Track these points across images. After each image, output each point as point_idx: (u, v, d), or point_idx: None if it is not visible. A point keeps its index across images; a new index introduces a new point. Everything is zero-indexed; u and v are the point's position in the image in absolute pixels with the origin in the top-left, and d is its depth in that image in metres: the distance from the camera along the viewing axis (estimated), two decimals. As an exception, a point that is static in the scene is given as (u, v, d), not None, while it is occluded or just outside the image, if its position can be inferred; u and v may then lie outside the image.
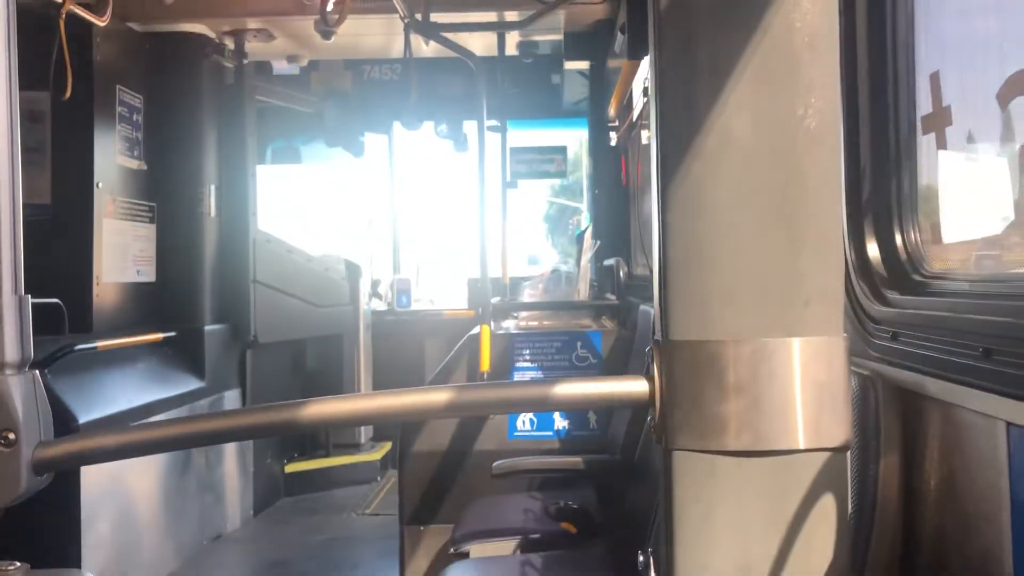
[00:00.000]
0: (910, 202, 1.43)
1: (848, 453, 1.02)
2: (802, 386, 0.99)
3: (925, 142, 1.38)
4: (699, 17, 1.02)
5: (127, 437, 1.13)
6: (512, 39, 6.05)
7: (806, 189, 1.00)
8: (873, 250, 1.46)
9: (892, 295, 1.40)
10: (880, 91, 1.44)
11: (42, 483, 1.09)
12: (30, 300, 1.11)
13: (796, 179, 1.00)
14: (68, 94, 4.33)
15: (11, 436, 1.04)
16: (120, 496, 4.38)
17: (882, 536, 1.21)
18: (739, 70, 1.00)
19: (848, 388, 1.01)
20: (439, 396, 1.13)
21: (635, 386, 1.05)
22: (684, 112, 1.03)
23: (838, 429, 1.00)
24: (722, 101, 1.00)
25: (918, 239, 1.42)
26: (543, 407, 1.09)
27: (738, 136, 1.00)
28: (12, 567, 1.06)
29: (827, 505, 1.00)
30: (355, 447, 7.00)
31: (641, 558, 1.12)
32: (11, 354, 1.07)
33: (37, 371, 1.11)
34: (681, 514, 1.02)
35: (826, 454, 1.00)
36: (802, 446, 0.99)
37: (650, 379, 1.05)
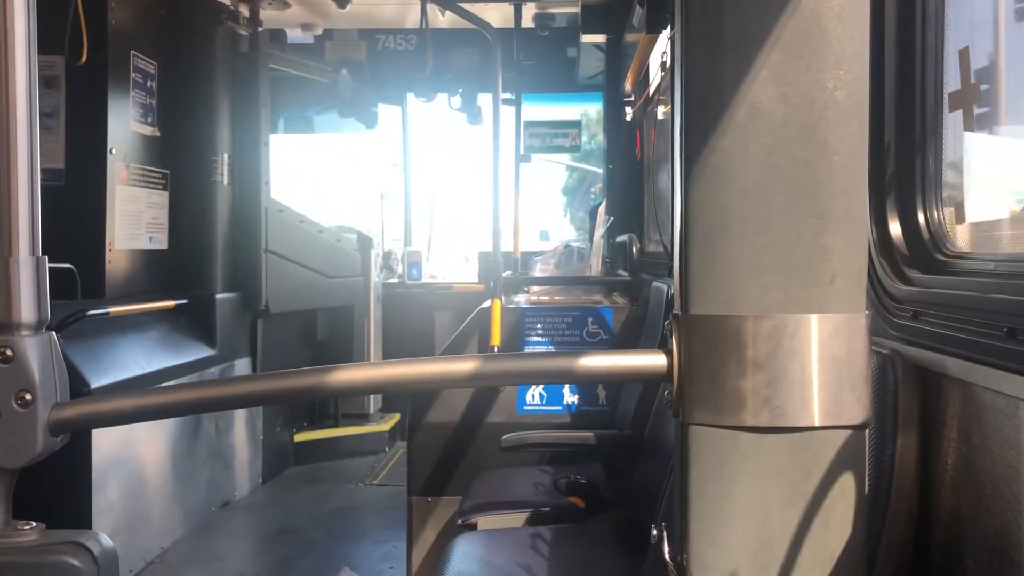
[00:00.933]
0: (934, 180, 1.41)
1: (866, 432, 1.02)
2: (822, 363, 0.98)
3: (952, 119, 1.36)
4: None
5: (142, 400, 1.13)
6: (528, 11, 6.01)
7: (832, 164, 0.99)
8: (895, 228, 1.44)
9: (914, 274, 1.38)
10: (907, 66, 1.42)
11: (58, 444, 1.10)
12: (47, 261, 1.11)
13: (822, 154, 0.99)
14: (83, 59, 4.33)
15: (28, 396, 1.05)
16: (130, 461, 4.42)
17: (897, 515, 1.20)
18: (767, 42, 0.98)
19: (868, 366, 1.00)
20: (456, 366, 1.12)
21: (653, 359, 1.05)
22: (709, 84, 1.01)
23: (857, 407, 0.99)
24: (749, 73, 0.99)
25: (941, 218, 1.41)
26: (560, 379, 1.08)
27: (764, 109, 0.98)
28: (28, 527, 1.07)
29: (844, 483, 0.99)
30: (364, 417, 7.03)
31: (654, 531, 1.11)
32: (28, 315, 1.07)
33: (54, 332, 1.11)
34: (697, 489, 1.01)
35: (844, 432, 0.99)
36: (820, 423, 0.98)
37: (668, 353, 1.04)
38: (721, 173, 1.00)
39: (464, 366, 1.13)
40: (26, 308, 1.06)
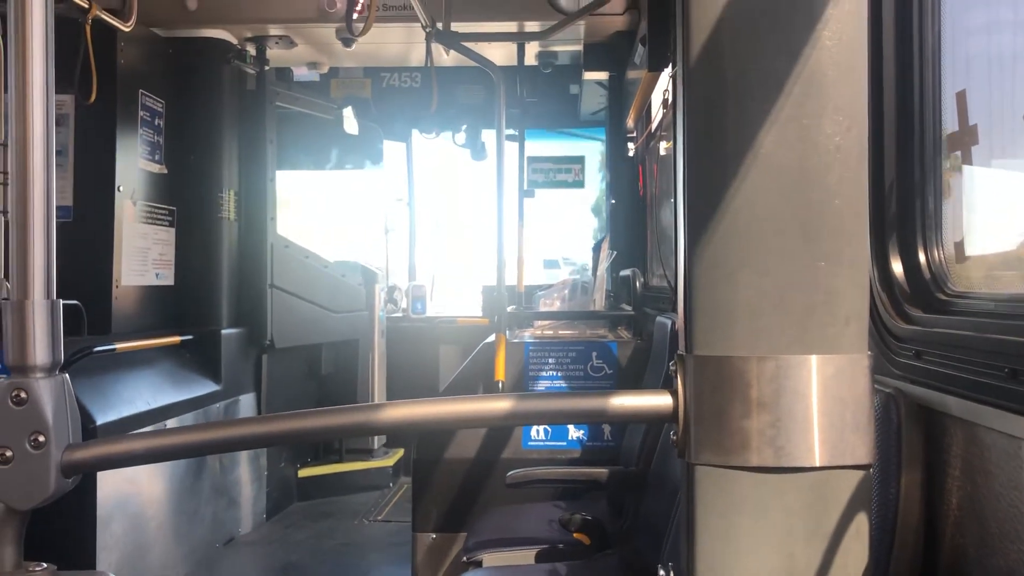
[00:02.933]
0: (934, 220, 1.43)
1: (870, 471, 1.02)
2: (825, 404, 0.99)
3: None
4: (726, 33, 1.02)
5: (153, 442, 1.14)
6: (531, 49, 6.08)
7: (833, 207, 1.01)
8: (897, 268, 1.46)
9: (915, 313, 1.40)
10: (906, 109, 1.44)
11: (69, 485, 1.11)
12: (61, 305, 1.12)
13: (823, 196, 1.00)
14: (93, 98, 4.38)
15: (41, 438, 1.06)
16: (135, 497, 4.41)
17: (902, 553, 1.20)
18: (766, 87, 1.01)
19: (872, 407, 1.01)
20: (463, 407, 1.13)
21: (659, 400, 1.06)
22: (710, 128, 1.03)
23: (861, 447, 1.00)
24: (749, 118, 1.01)
25: (942, 257, 1.42)
26: (567, 419, 1.09)
27: (765, 153, 1.00)
28: (39, 568, 1.08)
29: (850, 523, 1.00)
30: (368, 453, 7.01)
31: (661, 572, 1.12)
32: (42, 357, 1.08)
33: (67, 375, 1.12)
34: (702, 529, 1.02)
35: (848, 472, 1.00)
36: (825, 463, 0.99)
37: (673, 393, 1.05)
38: (723, 216, 1.02)
39: (470, 407, 1.14)
40: (41, 351, 1.08)
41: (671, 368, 1.07)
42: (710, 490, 1.01)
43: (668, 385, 1.08)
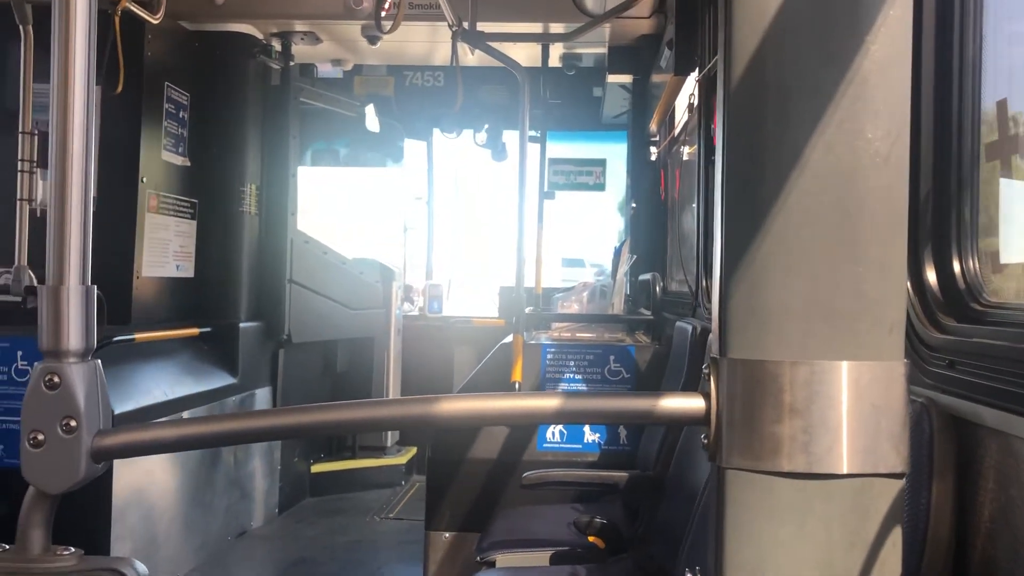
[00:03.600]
0: (970, 230, 1.41)
1: (903, 480, 1.01)
2: (860, 410, 0.98)
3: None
4: (771, 37, 1.02)
5: (183, 430, 1.14)
6: (556, 51, 6.08)
7: (872, 213, 1.00)
8: (931, 277, 1.44)
9: (949, 323, 1.38)
10: (944, 117, 1.43)
11: (99, 471, 1.11)
12: (96, 291, 1.13)
13: (862, 202, 1.00)
14: (119, 89, 4.41)
15: (72, 423, 1.06)
16: (150, 489, 4.43)
17: (933, 565, 1.19)
18: (808, 90, 1.00)
19: (907, 415, 1.00)
20: (490, 404, 1.13)
21: (691, 403, 1.05)
22: (751, 131, 1.02)
23: (895, 456, 0.99)
24: (790, 121, 1.00)
25: (977, 267, 1.41)
26: (598, 419, 1.09)
27: (806, 156, 0.99)
28: (67, 552, 1.08)
29: (881, 532, 0.99)
30: (381, 450, 7.03)
31: (688, 574, 1.11)
32: (76, 343, 1.09)
33: (99, 361, 1.13)
34: (732, 533, 1.01)
35: (881, 480, 0.99)
36: (857, 471, 0.98)
37: (706, 396, 1.05)
38: (761, 219, 1.01)
39: (498, 404, 1.13)
40: (75, 336, 1.08)
41: (704, 371, 1.06)
42: (741, 495, 1.01)
43: (695, 388, 1.07)
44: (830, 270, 0.99)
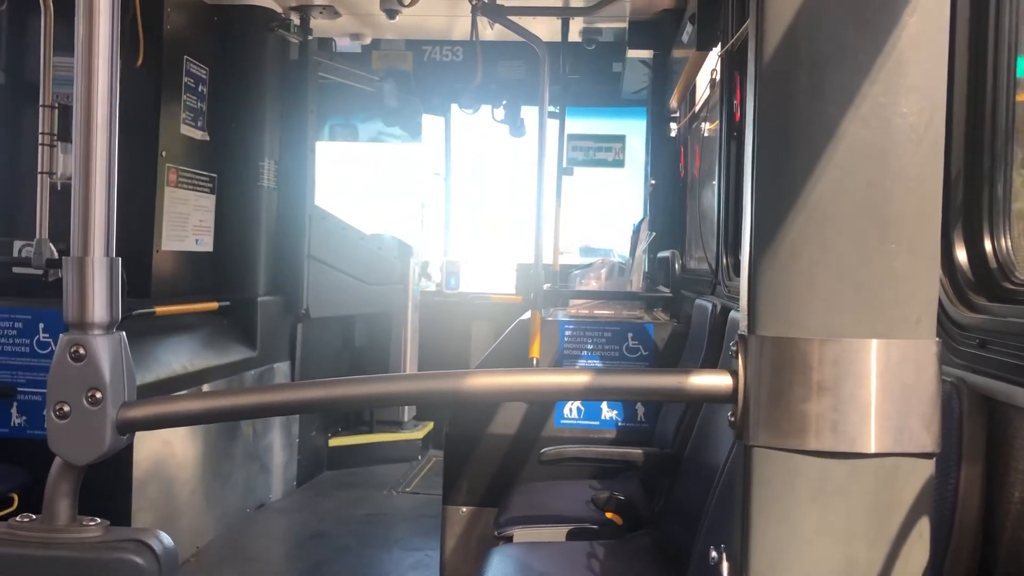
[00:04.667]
0: (1003, 208, 1.39)
1: (934, 460, 1.00)
2: (889, 389, 0.97)
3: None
4: (803, 6, 0.99)
5: (207, 403, 1.14)
6: (576, 25, 6.03)
7: (906, 189, 0.98)
8: (961, 255, 1.42)
9: (980, 301, 1.36)
10: (978, 93, 1.40)
11: (124, 443, 1.12)
12: (120, 263, 1.13)
13: (896, 178, 0.98)
14: (140, 62, 4.41)
15: (98, 395, 1.07)
16: (170, 461, 4.47)
17: (961, 546, 1.18)
18: (842, 63, 0.98)
19: (938, 394, 0.99)
20: (515, 379, 1.12)
21: (718, 380, 1.04)
22: (783, 104, 1.00)
23: (925, 435, 0.98)
24: (823, 94, 0.98)
25: (1009, 246, 1.39)
26: (624, 396, 1.08)
27: (838, 131, 0.97)
28: (93, 523, 1.09)
29: (910, 512, 0.97)
30: (398, 425, 7.06)
31: (713, 553, 1.11)
32: (101, 314, 1.09)
33: (124, 333, 1.13)
34: (758, 511, 1.00)
35: (910, 460, 0.98)
36: (886, 450, 0.97)
37: (733, 373, 1.04)
38: (792, 194, 0.99)
39: (521, 380, 1.13)
40: (99, 308, 1.08)
41: (732, 348, 1.05)
42: (767, 473, 1.00)
43: (715, 366, 1.06)
44: (861, 247, 0.97)
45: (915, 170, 0.98)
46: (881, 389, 0.96)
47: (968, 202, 1.43)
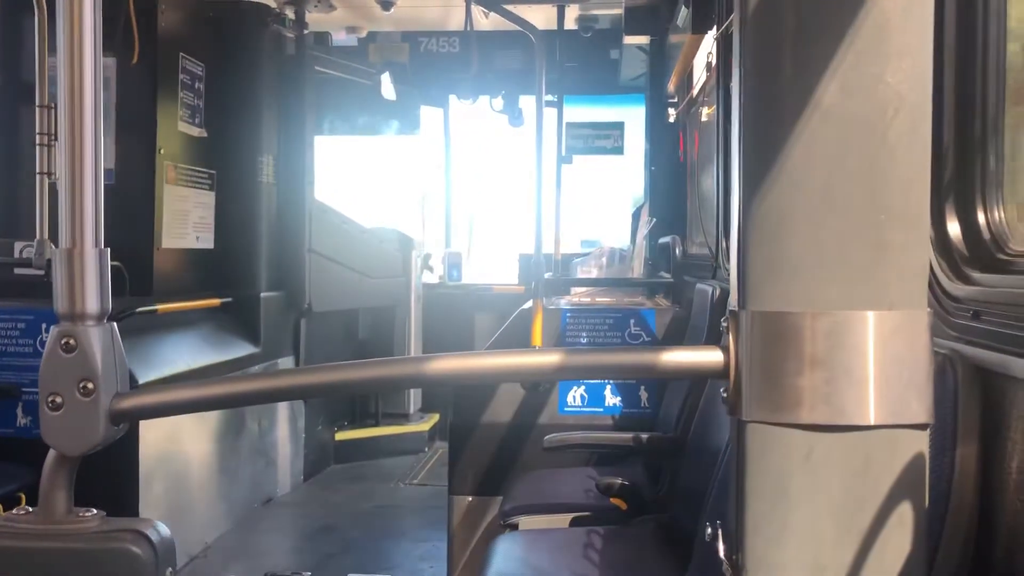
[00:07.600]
0: (995, 178, 1.38)
1: (928, 432, 1.00)
2: (882, 361, 0.96)
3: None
4: (787, -20, 0.99)
5: (199, 392, 1.15)
6: (571, 13, 6.01)
7: (894, 159, 0.97)
8: (954, 227, 1.42)
9: (974, 273, 1.36)
10: (968, 62, 1.39)
11: (118, 433, 1.12)
12: (109, 253, 1.13)
13: (884, 148, 0.97)
14: (135, 60, 4.40)
15: (90, 386, 1.07)
16: (176, 456, 4.48)
17: (957, 519, 1.18)
18: (828, 35, 0.97)
19: (931, 365, 0.98)
20: (510, 360, 1.12)
21: (709, 356, 1.04)
22: (769, 78, 1.00)
23: (918, 406, 0.97)
24: (809, 67, 0.97)
25: (1002, 217, 1.38)
26: (615, 375, 1.08)
27: (825, 103, 0.97)
28: (89, 513, 1.09)
29: (905, 484, 0.97)
30: (404, 417, 7.07)
31: (708, 529, 1.10)
32: (92, 305, 1.09)
33: (115, 324, 1.13)
34: (753, 487, 1.00)
35: (905, 431, 0.97)
36: (880, 422, 0.96)
37: (724, 349, 1.03)
38: (781, 168, 0.99)
39: (516, 361, 1.13)
40: (90, 299, 1.08)
41: (722, 324, 1.04)
42: (761, 448, 0.99)
43: (717, 342, 1.06)
44: (851, 218, 0.96)
45: (903, 140, 0.97)
46: (874, 361, 0.96)
47: (960, 172, 1.42)
